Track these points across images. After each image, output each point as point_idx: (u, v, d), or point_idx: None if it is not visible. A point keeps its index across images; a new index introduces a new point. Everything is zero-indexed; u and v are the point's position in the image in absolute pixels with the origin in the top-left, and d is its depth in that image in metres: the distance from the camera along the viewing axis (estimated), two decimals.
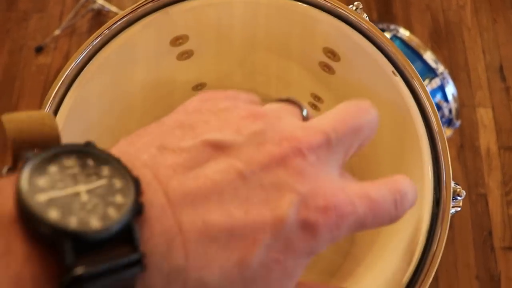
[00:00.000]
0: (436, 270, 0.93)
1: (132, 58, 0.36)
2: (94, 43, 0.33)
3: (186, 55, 0.39)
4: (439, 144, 0.28)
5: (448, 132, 1.00)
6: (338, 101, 0.42)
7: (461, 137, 1.24)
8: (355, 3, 0.32)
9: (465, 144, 1.24)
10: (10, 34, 1.34)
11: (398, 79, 0.30)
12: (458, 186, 0.28)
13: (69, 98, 0.33)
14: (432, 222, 0.27)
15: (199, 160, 0.17)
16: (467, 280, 1.13)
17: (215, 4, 0.36)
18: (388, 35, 0.98)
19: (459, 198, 0.28)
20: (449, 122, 0.99)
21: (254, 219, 0.16)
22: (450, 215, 0.27)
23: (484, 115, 1.26)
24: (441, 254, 0.26)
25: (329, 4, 0.32)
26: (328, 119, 0.20)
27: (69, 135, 0.34)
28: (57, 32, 1.29)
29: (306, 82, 0.43)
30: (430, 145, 0.29)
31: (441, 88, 0.94)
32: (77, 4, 1.31)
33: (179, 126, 0.18)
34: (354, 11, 0.32)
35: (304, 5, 0.33)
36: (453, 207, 0.28)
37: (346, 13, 0.32)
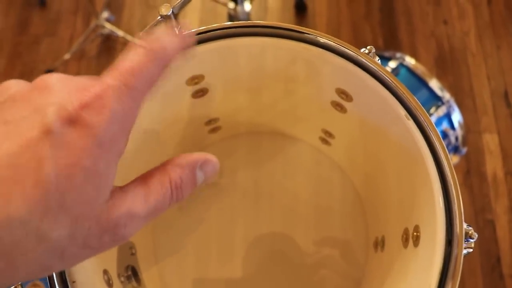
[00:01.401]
0: None
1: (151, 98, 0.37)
2: None
3: (201, 93, 0.40)
4: (452, 187, 0.28)
5: (454, 159, 1.00)
6: (349, 137, 0.43)
7: (467, 163, 1.24)
8: (368, 47, 0.33)
9: (472, 170, 1.24)
10: (22, 58, 1.37)
11: (411, 123, 0.31)
12: (470, 228, 0.28)
13: None
14: (444, 265, 0.27)
15: None
16: None
17: (233, 47, 0.37)
18: (394, 63, 0.99)
19: (471, 240, 0.28)
20: (455, 149, 0.99)
21: (27, 140, 0.17)
22: (462, 256, 0.27)
23: (490, 141, 1.26)
24: None
25: (342, 48, 0.33)
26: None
27: None
28: (67, 56, 1.32)
29: (317, 119, 0.44)
30: (442, 188, 0.29)
31: (448, 116, 0.95)
32: (87, 29, 1.33)
33: None
34: (367, 54, 0.33)
35: (319, 48, 0.34)
36: (465, 248, 0.28)
37: (359, 57, 0.33)
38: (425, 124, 0.30)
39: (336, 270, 0.47)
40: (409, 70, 0.98)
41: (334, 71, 0.34)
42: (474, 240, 0.28)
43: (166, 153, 0.48)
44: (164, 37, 0.22)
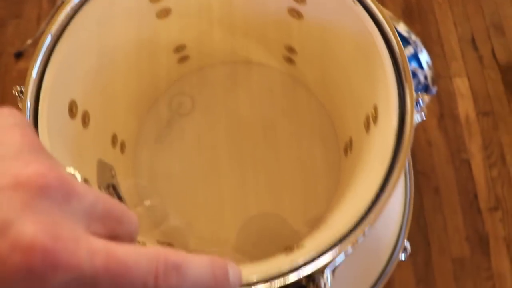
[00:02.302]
0: (427, 236, 0.97)
1: (113, 14, 0.38)
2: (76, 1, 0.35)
3: (164, 13, 0.41)
4: (400, 59, 0.31)
5: (426, 99, 1.03)
6: (309, 47, 0.45)
7: (440, 107, 1.28)
8: None
9: (445, 113, 1.28)
10: None
11: (360, 8, 0.33)
12: (419, 94, 0.31)
13: (57, 54, 0.35)
14: (399, 127, 0.29)
15: None
16: (457, 242, 1.17)
17: None
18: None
19: (421, 103, 0.30)
20: (426, 89, 1.02)
21: None
22: (415, 120, 0.30)
23: (461, 84, 1.30)
24: (409, 150, 0.28)
25: None
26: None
27: (59, 92, 0.36)
28: (35, 36, 1.30)
29: (279, 33, 0.45)
30: (392, 62, 0.31)
31: (415, 56, 0.97)
32: (54, 7, 1.32)
33: None
34: None
35: None
36: (418, 112, 0.30)
37: None
38: (372, 7, 0.32)
39: (317, 176, 0.50)
40: None
41: None
42: (423, 104, 0.31)
43: (139, 86, 0.49)
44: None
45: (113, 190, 0.45)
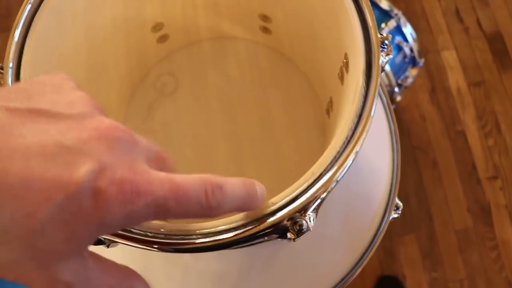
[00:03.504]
0: (429, 210, 0.97)
1: None
2: None
3: None
4: (364, 6, 0.31)
5: (413, 72, 1.03)
6: (282, 12, 0.46)
7: (431, 81, 1.28)
8: None
9: (436, 87, 1.28)
10: None
11: None
12: (383, 35, 0.31)
13: (36, 26, 0.35)
14: (367, 66, 0.30)
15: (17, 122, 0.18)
16: (459, 214, 1.17)
17: None
18: None
19: (386, 43, 0.31)
20: (413, 61, 1.03)
21: (52, 177, 0.17)
22: (381, 61, 0.30)
23: (449, 57, 1.30)
24: (377, 87, 0.29)
25: None
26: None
27: (41, 67, 0.36)
28: None
29: (252, 2, 0.46)
30: (355, 7, 0.32)
31: (398, 29, 0.98)
32: None
33: (16, 90, 0.20)
34: None
35: None
36: (385, 55, 0.31)
37: None
38: None
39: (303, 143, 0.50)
40: None
41: None
42: (388, 45, 0.31)
43: (121, 67, 0.49)
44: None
45: None
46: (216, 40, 0.55)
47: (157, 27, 0.49)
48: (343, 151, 0.29)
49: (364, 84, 0.30)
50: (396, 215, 0.52)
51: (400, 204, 0.52)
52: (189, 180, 0.21)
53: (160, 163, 0.23)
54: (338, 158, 0.29)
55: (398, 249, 1.14)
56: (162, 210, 0.20)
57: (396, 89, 1.00)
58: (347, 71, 0.34)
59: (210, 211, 0.21)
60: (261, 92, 0.52)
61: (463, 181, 1.20)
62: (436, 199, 1.18)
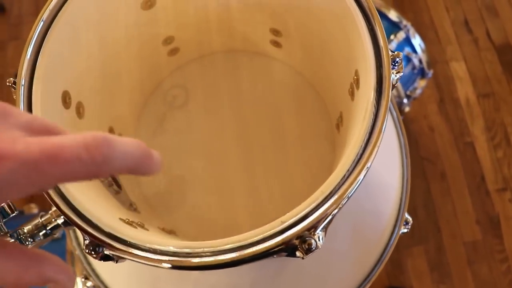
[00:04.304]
0: (438, 222, 0.95)
1: (99, 7, 0.39)
2: None
3: (149, 4, 0.42)
4: (372, 18, 0.31)
5: (422, 83, 1.03)
6: (294, 27, 0.46)
7: (440, 92, 1.28)
8: None
9: (445, 98, 1.27)
10: None
11: None
12: (396, 53, 0.31)
13: (49, 42, 0.36)
14: (378, 84, 0.30)
15: None
16: (468, 226, 1.15)
17: None
18: None
19: (397, 60, 0.31)
20: (421, 73, 1.02)
21: None
22: (392, 78, 0.30)
23: (458, 68, 1.30)
24: (388, 105, 0.29)
25: None
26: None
27: (53, 82, 0.36)
28: None
29: (263, 17, 0.46)
30: (365, 23, 0.32)
31: (408, 41, 0.98)
32: None
33: None
34: None
35: None
36: (396, 72, 0.31)
37: None
38: None
39: (315, 157, 0.50)
40: None
41: None
42: (399, 62, 0.31)
43: (132, 79, 0.50)
44: (123, 145, 0.20)
45: (112, 178, 0.45)
46: (227, 53, 0.55)
47: (168, 40, 0.49)
48: (353, 169, 0.29)
49: (375, 102, 0.30)
50: (405, 230, 0.52)
51: (410, 219, 0.51)
52: (68, 138, 0.19)
53: (44, 132, 0.21)
54: (348, 176, 0.29)
55: (406, 261, 1.13)
56: (36, 173, 0.18)
57: (405, 100, 1.00)
58: (357, 87, 0.34)
59: (96, 167, 0.19)
60: (271, 106, 0.52)
61: (472, 193, 1.19)
62: (444, 211, 1.17)
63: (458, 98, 1.27)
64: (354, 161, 0.29)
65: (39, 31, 0.35)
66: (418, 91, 1.03)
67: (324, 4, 0.36)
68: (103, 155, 0.19)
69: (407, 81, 1.00)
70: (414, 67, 0.99)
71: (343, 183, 0.28)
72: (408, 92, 1.01)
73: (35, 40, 0.35)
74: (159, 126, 0.54)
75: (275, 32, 0.48)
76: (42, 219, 0.42)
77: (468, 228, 1.16)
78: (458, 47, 1.32)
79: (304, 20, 0.42)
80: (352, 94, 0.37)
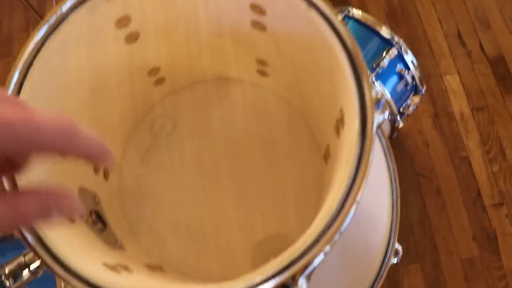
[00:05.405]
0: (434, 238, 0.94)
1: (80, 41, 0.38)
2: (42, 32, 0.36)
3: (133, 38, 0.41)
4: (356, 60, 0.30)
5: (415, 99, 1.02)
6: (278, 57, 0.45)
7: (434, 106, 1.27)
8: None
9: (439, 112, 1.27)
10: None
11: (313, 13, 0.33)
12: (379, 93, 0.30)
13: (28, 80, 0.35)
14: (362, 127, 0.29)
15: None
16: (464, 242, 1.14)
17: None
18: (339, 16, 1.02)
19: (382, 103, 0.30)
20: (415, 89, 1.02)
21: None
22: (377, 119, 0.29)
23: (452, 82, 1.30)
24: (371, 150, 0.28)
25: None
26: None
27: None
28: None
29: (248, 47, 0.45)
30: (350, 64, 0.31)
31: (400, 57, 0.97)
32: None
33: None
34: None
35: None
36: (380, 112, 0.30)
37: None
38: (325, 11, 0.32)
39: (299, 189, 0.49)
40: (357, 21, 1.00)
41: None
42: (383, 102, 0.30)
43: (118, 112, 0.49)
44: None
45: (96, 216, 0.44)
46: (213, 82, 0.54)
47: (154, 71, 0.48)
48: (336, 217, 0.28)
49: (359, 145, 0.29)
50: (395, 260, 0.51)
51: (400, 249, 0.50)
52: (42, 111, 0.20)
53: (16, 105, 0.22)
54: (329, 227, 0.28)
55: (402, 279, 1.11)
56: (11, 137, 0.19)
57: (398, 118, 0.99)
58: (342, 126, 0.34)
59: (65, 140, 0.21)
60: (259, 135, 0.51)
61: (468, 208, 1.18)
62: (440, 227, 1.16)
63: (452, 112, 1.27)
64: (336, 209, 0.28)
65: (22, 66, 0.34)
66: (412, 108, 1.02)
67: (308, 39, 0.36)
68: (71, 132, 0.21)
69: (400, 98, 0.99)
70: (407, 84, 0.99)
71: (322, 236, 0.27)
72: (401, 109, 1.00)
73: (21, 68, 0.34)
74: (146, 154, 0.54)
75: (261, 62, 0.47)
76: (26, 258, 0.41)
77: (464, 245, 1.15)
78: (452, 60, 1.32)
79: (289, 53, 0.42)
80: (337, 131, 0.36)
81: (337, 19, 0.31)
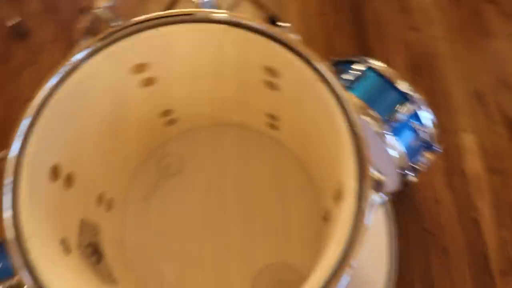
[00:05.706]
0: None
1: (95, 85, 0.40)
2: (59, 76, 0.37)
3: (147, 83, 0.43)
4: (361, 144, 0.31)
5: (430, 156, 1.01)
6: (289, 116, 0.46)
7: (448, 162, 1.26)
8: (282, 23, 0.36)
9: (452, 169, 1.25)
10: (4, 87, 1.42)
11: (320, 85, 0.33)
12: (380, 176, 0.30)
13: (40, 121, 0.36)
14: (357, 208, 0.29)
15: None
16: None
17: (169, 33, 0.40)
18: (363, 66, 1.03)
19: (383, 184, 0.30)
20: (429, 147, 1.01)
21: None
22: (374, 201, 0.29)
23: (468, 140, 1.28)
24: (365, 234, 0.27)
25: (262, 27, 0.36)
26: None
27: (39, 157, 0.36)
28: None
29: (259, 103, 0.46)
30: (354, 145, 0.31)
31: (416, 115, 0.97)
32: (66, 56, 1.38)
33: None
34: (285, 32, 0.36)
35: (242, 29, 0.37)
36: (379, 194, 0.30)
37: (281, 35, 0.36)
38: (335, 86, 0.33)
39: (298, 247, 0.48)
40: (377, 73, 1.01)
41: (258, 49, 0.37)
42: (382, 185, 0.30)
43: (127, 148, 0.50)
44: None
45: (92, 248, 0.44)
46: (223, 127, 0.55)
47: (166, 113, 0.49)
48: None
49: (352, 226, 0.29)
50: None
51: None
52: None
53: None
54: None
55: None
56: None
57: (410, 173, 0.98)
58: (341, 198, 0.34)
59: None
60: (261, 185, 0.51)
61: (473, 274, 1.14)
62: None
63: (466, 171, 1.25)
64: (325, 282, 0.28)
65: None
66: (425, 164, 1.01)
67: (316, 107, 0.36)
68: None
69: (413, 154, 0.99)
70: (421, 140, 0.98)
71: None
72: (414, 165, 0.99)
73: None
74: (151, 191, 0.54)
75: (271, 116, 0.48)
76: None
77: None
78: (470, 119, 1.31)
79: (300, 114, 0.42)
80: (335, 200, 0.36)
81: (348, 96, 0.32)
